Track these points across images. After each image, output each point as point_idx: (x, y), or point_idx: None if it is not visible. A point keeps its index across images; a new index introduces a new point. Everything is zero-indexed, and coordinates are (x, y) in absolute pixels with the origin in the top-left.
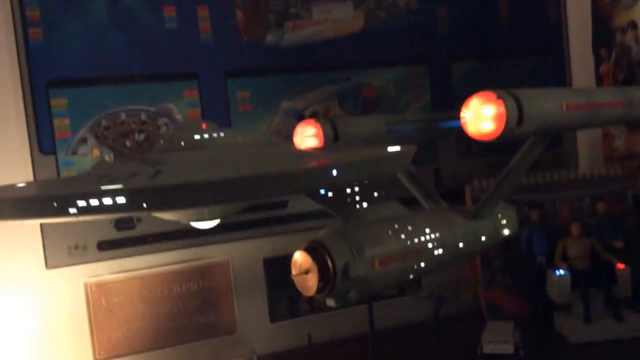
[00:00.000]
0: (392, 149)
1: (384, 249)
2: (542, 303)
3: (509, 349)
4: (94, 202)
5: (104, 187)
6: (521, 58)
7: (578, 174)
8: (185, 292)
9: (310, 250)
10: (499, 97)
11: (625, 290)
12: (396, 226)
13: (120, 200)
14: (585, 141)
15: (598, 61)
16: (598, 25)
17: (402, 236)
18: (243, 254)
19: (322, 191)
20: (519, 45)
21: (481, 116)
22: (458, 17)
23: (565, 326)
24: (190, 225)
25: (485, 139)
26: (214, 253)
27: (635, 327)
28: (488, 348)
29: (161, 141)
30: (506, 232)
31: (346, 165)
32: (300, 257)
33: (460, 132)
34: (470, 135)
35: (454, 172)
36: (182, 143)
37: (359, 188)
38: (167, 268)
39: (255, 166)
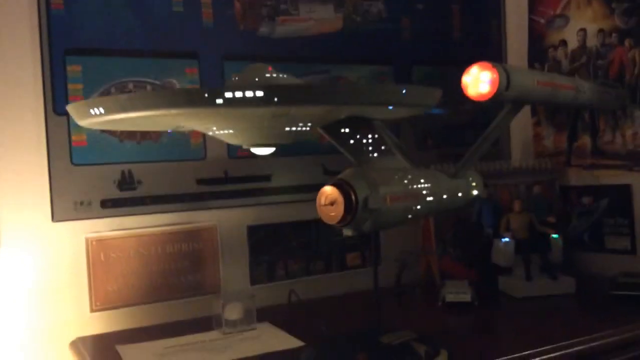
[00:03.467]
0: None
1: (393, 188)
2: (488, 267)
3: (467, 298)
4: (239, 94)
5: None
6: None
7: (518, 166)
8: (177, 253)
9: (337, 185)
10: (493, 66)
11: (557, 256)
12: (400, 173)
13: (259, 93)
14: (518, 139)
15: None
16: (533, 42)
17: (405, 181)
18: (230, 221)
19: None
20: (467, 56)
21: (479, 80)
22: (419, 28)
23: (508, 285)
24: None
25: (482, 99)
26: (204, 218)
27: (565, 285)
28: (449, 298)
29: (235, 78)
30: (475, 192)
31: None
32: (329, 190)
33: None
34: (469, 96)
35: (411, 161)
36: (257, 79)
37: (372, 140)
38: (161, 229)
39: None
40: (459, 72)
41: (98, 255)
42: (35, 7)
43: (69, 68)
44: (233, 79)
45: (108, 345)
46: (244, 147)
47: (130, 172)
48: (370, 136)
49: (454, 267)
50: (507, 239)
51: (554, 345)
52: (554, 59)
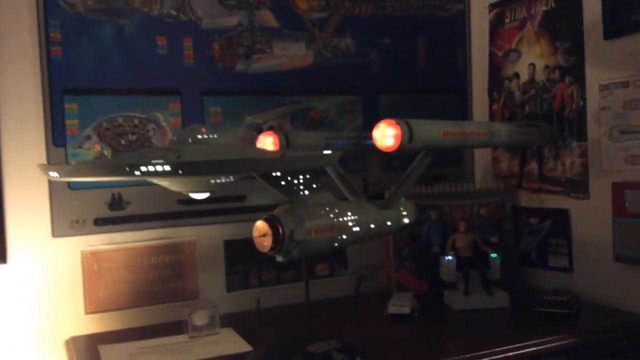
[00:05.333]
0: (326, 151)
1: (318, 222)
2: (435, 282)
3: (406, 310)
4: (151, 168)
5: (155, 161)
6: (434, 94)
7: (472, 188)
8: (160, 264)
9: (267, 220)
10: (397, 123)
11: (495, 273)
12: (327, 208)
13: (167, 168)
14: (480, 162)
15: (492, 101)
16: (492, 73)
17: (331, 215)
18: (207, 236)
19: (279, 175)
20: (432, 85)
21: (385, 135)
22: (386, 60)
23: (450, 298)
24: (171, 203)
25: (389, 150)
26: (184, 234)
27: (500, 300)
28: (391, 310)
29: (174, 137)
30: (406, 220)
31: (296, 157)
32: (260, 224)
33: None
34: (379, 148)
35: (378, 180)
36: (190, 140)
37: (303, 180)
38: (146, 243)
39: (238, 154)
40: (425, 100)
41: (92, 266)
42: (37, 53)
43: (66, 106)
44: (172, 138)
45: (94, 345)
46: (183, 193)
47: (119, 194)
48: (301, 177)
49: (408, 279)
50: (449, 257)
51: (468, 355)
52: (508, 89)
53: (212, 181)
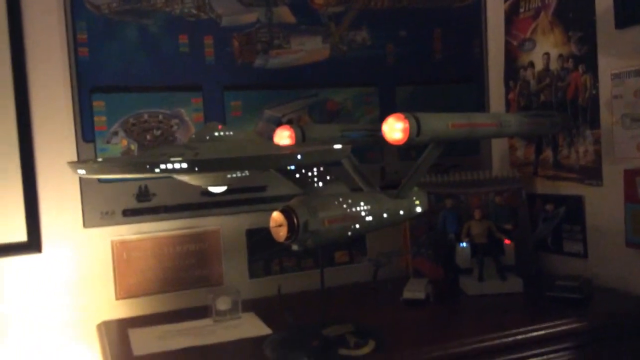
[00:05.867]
0: (336, 146)
1: (331, 212)
2: (451, 268)
3: (420, 295)
4: (170, 165)
5: (173, 159)
6: (451, 85)
7: (489, 176)
8: (185, 252)
9: (283, 211)
10: (405, 117)
11: (509, 259)
12: (341, 199)
13: (184, 165)
14: (497, 151)
15: (507, 90)
16: (508, 62)
17: (344, 206)
18: (230, 225)
19: (293, 168)
20: (449, 75)
21: (394, 129)
22: (402, 52)
23: (465, 284)
24: (195, 194)
25: (398, 144)
26: (209, 223)
27: (514, 285)
28: (406, 295)
29: (193, 135)
30: (418, 209)
31: (306, 153)
32: (276, 215)
33: None
34: (388, 141)
35: (396, 170)
36: (207, 137)
37: (317, 173)
38: (172, 232)
39: (253, 151)
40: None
41: (121, 255)
42: (66, 54)
43: (94, 103)
44: (191, 136)
45: (124, 329)
46: (202, 187)
47: (146, 187)
48: (315, 169)
49: (425, 265)
50: (464, 244)
51: (477, 338)
52: (524, 78)
53: (229, 176)
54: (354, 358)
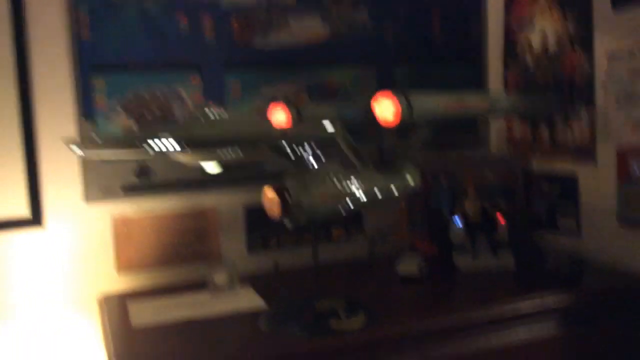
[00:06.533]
0: (325, 122)
1: (323, 190)
2: (445, 245)
3: (413, 271)
4: (160, 145)
5: (163, 139)
6: (449, 65)
7: (485, 154)
8: (185, 228)
9: (276, 188)
10: (397, 98)
11: (502, 237)
12: (333, 176)
13: (174, 144)
14: (495, 129)
15: (506, 70)
16: (507, 42)
17: (336, 183)
18: (229, 202)
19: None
20: (448, 55)
21: (386, 111)
22: (400, 31)
23: (459, 260)
24: (193, 172)
25: (389, 126)
26: (207, 200)
27: (506, 261)
28: (402, 271)
29: (186, 115)
30: (412, 184)
31: (298, 130)
32: (269, 193)
33: None
34: (380, 124)
35: (393, 147)
36: (200, 116)
37: (310, 150)
38: (171, 209)
39: (244, 130)
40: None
41: (122, 230)
42: (69, 35)
43: (94, 82)
44: (185, 116)
45: (123, 302)
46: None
47: (145, 164)
48: (308, 147)
49: (420, 242)
50: (458, 221)
51: (466, 312)
52: (522, 58)
53: (222, 156)
54: (344, 331)
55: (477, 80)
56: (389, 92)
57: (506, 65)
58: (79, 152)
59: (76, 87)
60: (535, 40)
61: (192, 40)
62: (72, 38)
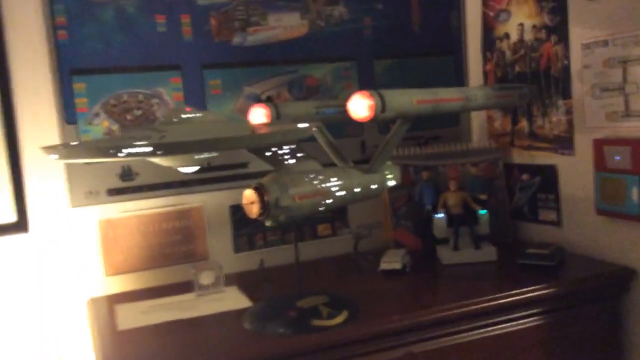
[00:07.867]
0: (300, 125)
1: (302, 189)
2: (429, 239)
3: (396, 265)
4: (134, 150)
5: (137, 143)
6: (429, 57)
7: (468, 147)
8: (171, 229)
9: (255, 188)
10: (371, 94)
11: (484, 229)
12: (312, 175)
13: (148, 149)
14: (477, 122)
15: (485, 61)
16: (485, 34)
17: (315, 182)
18: (214, 202)
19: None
20: (427, 48)
21: (359, 106)
22: (380, 25)
23: (442, 253)
24: (178, 172)
25: (364, 120)
26: (192, 200)
27: (488, 253)
28: (383, 266)
29: (161, 118)
30: (391, 182)
31: (270, 133)
32: (248, 193)
33: None
34: (353, 119)
35: (376, 144)
36: (175, 119)
37: (289, 149)
38: (157, 210)
39: (219, 132)
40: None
41: (108, 233)
42: (46, 38)
43: (75, 85)
44: (160, 119)
45: (111, 304)
46: (173, 168)
47: (129, 166)
48: (286, 147)
49: (405, 237)
50: (440, 215)
51: (449, 305)
52: (500, 49)
53: (197, 157)
54: (326, 328)
55: (457, 73)
56: (362, 90)
57: (485, 57)
58: (59, 159)
59: (57, 92)
60: (512, 31)
61: (170, 40)
62: (50, 42)
